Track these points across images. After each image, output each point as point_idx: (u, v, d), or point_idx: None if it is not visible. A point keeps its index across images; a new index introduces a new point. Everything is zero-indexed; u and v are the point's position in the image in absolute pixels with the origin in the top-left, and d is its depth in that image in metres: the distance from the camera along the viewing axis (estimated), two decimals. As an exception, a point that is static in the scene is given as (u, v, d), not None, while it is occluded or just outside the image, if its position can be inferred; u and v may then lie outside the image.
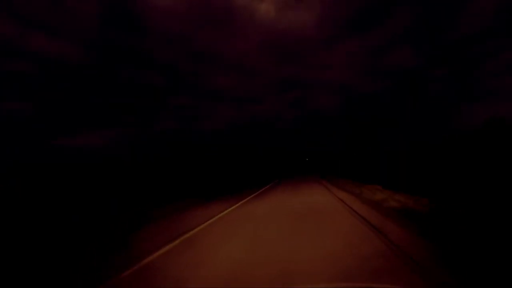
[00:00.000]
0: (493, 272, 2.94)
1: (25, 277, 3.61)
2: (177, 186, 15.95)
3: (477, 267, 3.07)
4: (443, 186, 9.76)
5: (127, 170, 16.35)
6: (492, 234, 4.23)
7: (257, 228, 5.62)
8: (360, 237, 4.47)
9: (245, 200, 10.89)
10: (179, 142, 25.75)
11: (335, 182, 17.90)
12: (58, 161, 14.98)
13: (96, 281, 3.27)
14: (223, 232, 5.44)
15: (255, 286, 2.90)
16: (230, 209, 8.53)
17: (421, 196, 8.01)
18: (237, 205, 9.48)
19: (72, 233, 5.94)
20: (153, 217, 7.61)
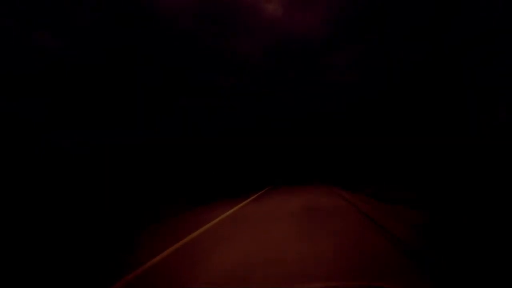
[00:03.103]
0: None
1: (27, 279, 3.59)
2: (170, 189, 15.85)
3: None
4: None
5: (124, 172, 16.35)
6: None
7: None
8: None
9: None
10: (180, 143, 25.78)
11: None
12: (59, 159, 14.96)
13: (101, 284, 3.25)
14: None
15: (255, 286, 2.89)
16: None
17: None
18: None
19: (72, 233, 5.93)
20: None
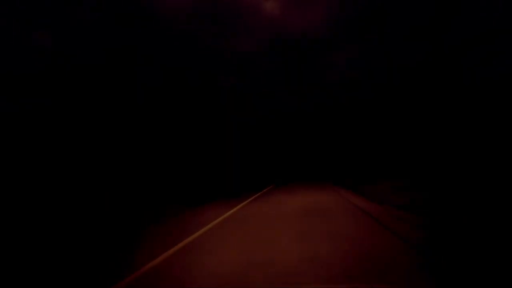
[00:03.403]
0: None
1: (27, 280, 3.59)
2: (170, 189, 15.79)
3: None
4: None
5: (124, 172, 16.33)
6: None
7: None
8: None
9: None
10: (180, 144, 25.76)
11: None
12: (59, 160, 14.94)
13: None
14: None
15: (255, 286, 2.89)
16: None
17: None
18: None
19: (71, 234, 5.92)
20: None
